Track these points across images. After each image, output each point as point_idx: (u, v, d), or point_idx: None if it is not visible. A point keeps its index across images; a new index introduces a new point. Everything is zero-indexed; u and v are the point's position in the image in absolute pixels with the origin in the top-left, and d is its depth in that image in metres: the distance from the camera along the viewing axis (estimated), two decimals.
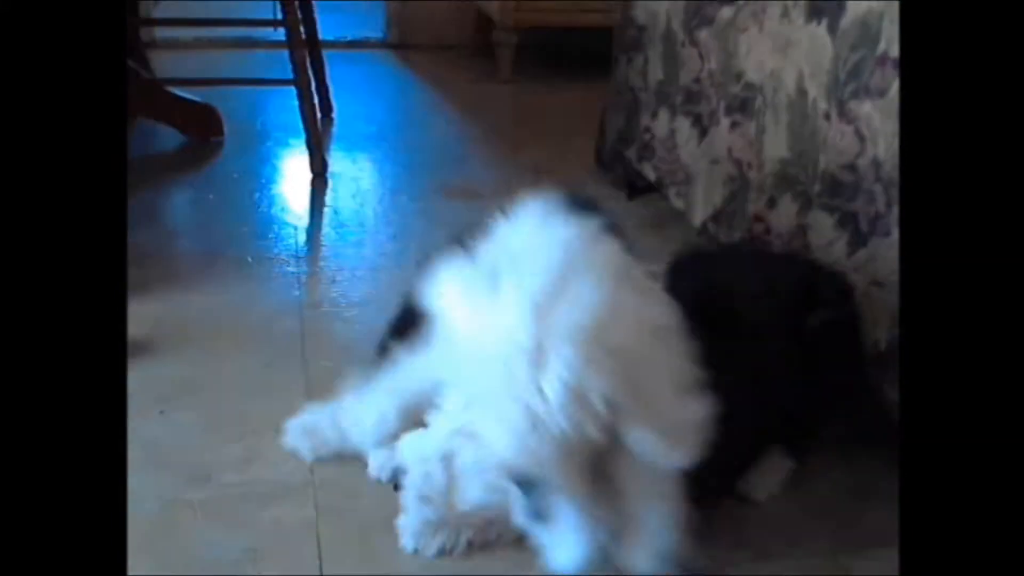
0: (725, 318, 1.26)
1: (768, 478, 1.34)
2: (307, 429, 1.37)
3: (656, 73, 2.12)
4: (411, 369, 1.29)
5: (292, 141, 2.64)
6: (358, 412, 1.34)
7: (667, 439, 1.00)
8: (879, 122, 1.37)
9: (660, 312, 1.04)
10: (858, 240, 1.43)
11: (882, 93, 1.36)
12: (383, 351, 1.48)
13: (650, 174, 2.17)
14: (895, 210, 1.34)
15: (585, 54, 3.32)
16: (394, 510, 1.26)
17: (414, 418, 1.27)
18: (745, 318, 1.28)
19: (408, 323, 1.49)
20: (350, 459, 1.37)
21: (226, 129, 2.65)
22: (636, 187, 2.31)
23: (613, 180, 2.39)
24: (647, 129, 2.18)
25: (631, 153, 2.26)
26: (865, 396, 1.44)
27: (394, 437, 1.29)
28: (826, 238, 1.50)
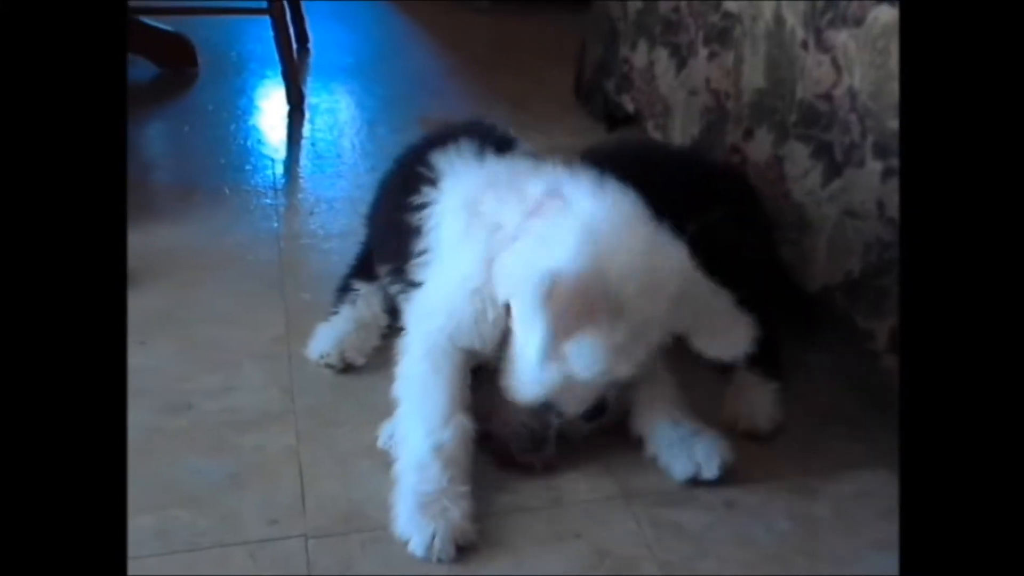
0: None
1: (760, 407, 1.35)
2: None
3: (635, 3, 2.10)
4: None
5: (268, 72, 2.61)
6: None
7: (724, 339, 1.22)
8: (855, 51, 1.37)
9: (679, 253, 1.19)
10: (833, 170, 1.44)
11: (858, 22, 1.36)
12: (344, 291, 1.49)
13: (629, 105, 2.16)
14: (870, 140, 1.35)
15: None
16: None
17: None
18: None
19: (367, 258, 1.52)
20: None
21: (200, 60, 2.61)
22: (615, 118, 2.30)
23: (592, 111, 2.38)
24: (626, 60, 2.16)
25: (610, 84, 2.25)
26: (796, 302, 1.50)
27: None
28: (801, 168, 1.51)
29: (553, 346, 1.11)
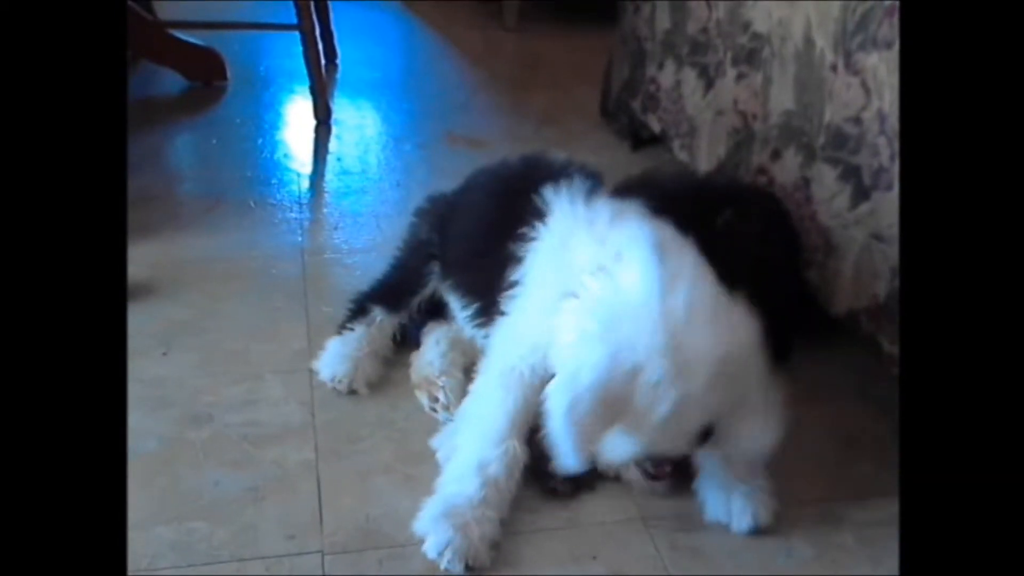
0: None
1: None
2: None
3: (663, 22, 2.10)
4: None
5: (296, 87, 2.62)
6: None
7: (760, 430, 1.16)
8: (885, 74, 1.36)
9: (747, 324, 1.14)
10: (860, 193, 1.43)
11: (889, 45, 1.35)
12: (361, 310, 1.48)
13: (655, 125, 2.16)
14: (898, 164, 1.34)
15: (592, 2, 3.28)
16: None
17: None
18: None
19: (397, 288, 1.51)
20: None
21: (229, 73, 2.63)
22: (640, 138, 2.30)
23: (617, 130, 2.37)
24: (653, 80, 2.16)
25: (636, 104, 2.24)
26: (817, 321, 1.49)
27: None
28: (829, 191, 1.50)
29: (581, 450, 1.10)
